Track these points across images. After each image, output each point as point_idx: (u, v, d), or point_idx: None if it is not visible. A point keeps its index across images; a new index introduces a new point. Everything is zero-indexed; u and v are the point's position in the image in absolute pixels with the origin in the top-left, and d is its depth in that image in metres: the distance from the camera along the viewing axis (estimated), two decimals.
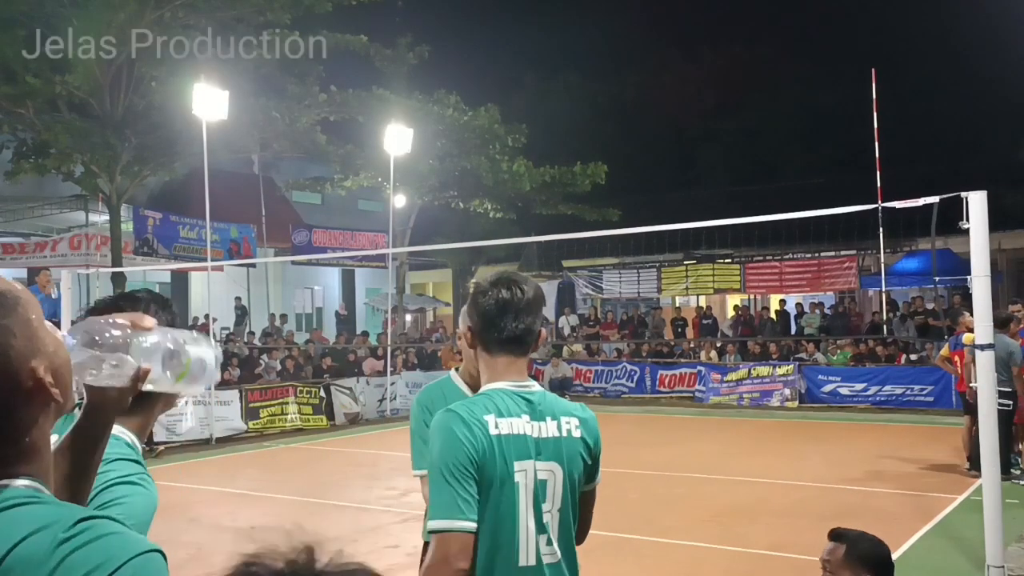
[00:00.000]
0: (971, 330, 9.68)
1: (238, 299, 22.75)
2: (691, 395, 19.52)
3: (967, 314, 9.88)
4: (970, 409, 10.20)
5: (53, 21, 15.70)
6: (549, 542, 2.16)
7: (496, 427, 2.13)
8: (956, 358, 10.64)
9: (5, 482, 1.00)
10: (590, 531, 2.37)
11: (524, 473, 2.14)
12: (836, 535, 2.93)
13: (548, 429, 2.19)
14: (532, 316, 2.25)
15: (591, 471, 2.26)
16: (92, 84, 16.14)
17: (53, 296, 13.26)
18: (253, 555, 0.88)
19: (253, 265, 23.06)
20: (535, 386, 2.26)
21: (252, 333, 21.47)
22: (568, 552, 2.21)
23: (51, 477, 1.08)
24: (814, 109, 35.85)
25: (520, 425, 2.16)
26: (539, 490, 2.16)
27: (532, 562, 2.13)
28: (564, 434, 2.19)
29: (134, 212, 19.80)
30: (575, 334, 23.59)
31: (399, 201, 22.68)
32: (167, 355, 1.31)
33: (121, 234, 17.89)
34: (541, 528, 2.15)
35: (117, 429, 1.49)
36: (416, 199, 23.77)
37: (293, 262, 26.20)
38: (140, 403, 1.54)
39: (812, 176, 29.09)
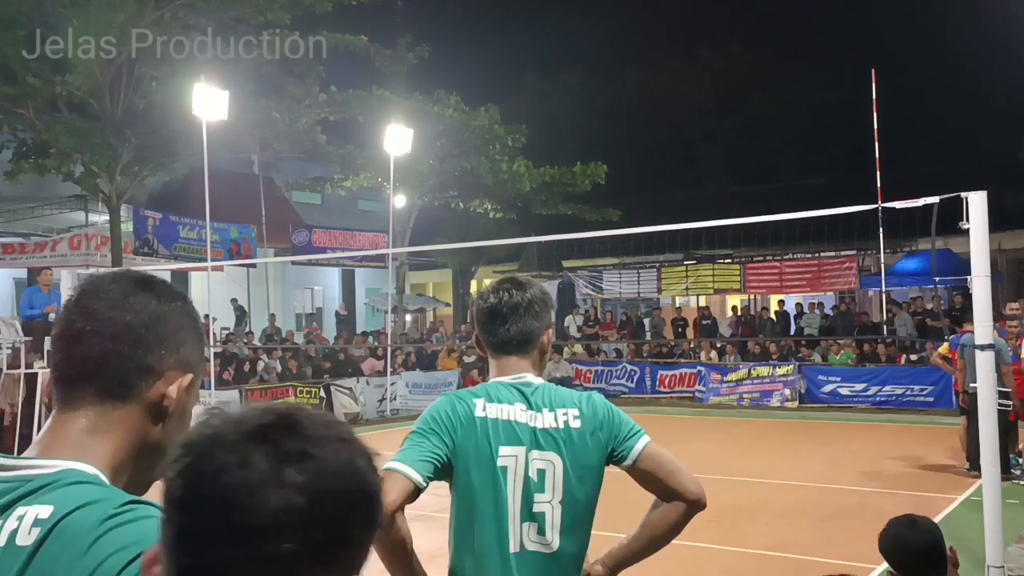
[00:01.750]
0: None
1: (234, 300, 22.70)
2: (691, 395, 19.51)
3: None
4: (966, 409, 10.25)
5: (53, 21, 15.70)
6: (541, 531, 2.16)
7: (483, 410, 2.18)
8: (955, 357, 10.63)
9: (74, 464, 1.12)
10: (604, 518, 2.31)
11: (514, 459, 2.16)
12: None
13: (546, 420, 2.20)
14: (527, 318, 2.28)
15: (616, 448, 2.22)
16: (92, 84, 16.14)
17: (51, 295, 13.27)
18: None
19: (253, 265, 23.05)
20: (532, 379, 2.27)
21: (251, 333, 21.47)
22: (574, 545, 2.20)
23: (120, 480, 1.17)
24: (814, 109, 35.86)
25: (512, 412, 2.19)
26: (536, 479, 2.16)
27: (517, 549, 2.15)
28: (561, 425, 2.20)
29: (134, 212, 19.79)
30: (580, 334, 23.58)
31: (399, 201, 22.67)
32: None
33: (121, 234, 17.89)
34: (530, 517, 2.15)
35: None
36: (416, 199, 23.76)
37: (293, 262, 26.20)
38: None
39: (812, 176, 29.09)
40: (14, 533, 1.04)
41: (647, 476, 2.23)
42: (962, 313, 12.48)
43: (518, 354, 2.29)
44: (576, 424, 2.21)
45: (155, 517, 1.01)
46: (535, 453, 2.17)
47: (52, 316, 12.89)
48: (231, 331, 21.33)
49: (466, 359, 20.35)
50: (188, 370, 1.23)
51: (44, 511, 1.05)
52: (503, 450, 2.16)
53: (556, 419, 2.21)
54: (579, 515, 2.20)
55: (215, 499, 0.83)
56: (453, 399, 2.23)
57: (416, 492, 2.09)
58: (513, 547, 2.15)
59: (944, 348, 11.31)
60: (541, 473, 2.16)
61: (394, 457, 2.12)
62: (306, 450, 0.85)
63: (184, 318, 1.26)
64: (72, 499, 1.06)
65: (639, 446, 2.22)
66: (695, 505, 2.22)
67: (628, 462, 2.23)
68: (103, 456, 1.15)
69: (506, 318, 2.27)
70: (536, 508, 2.16)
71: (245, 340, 20.45)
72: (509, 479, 2.15)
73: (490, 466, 2.15)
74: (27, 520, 1.04)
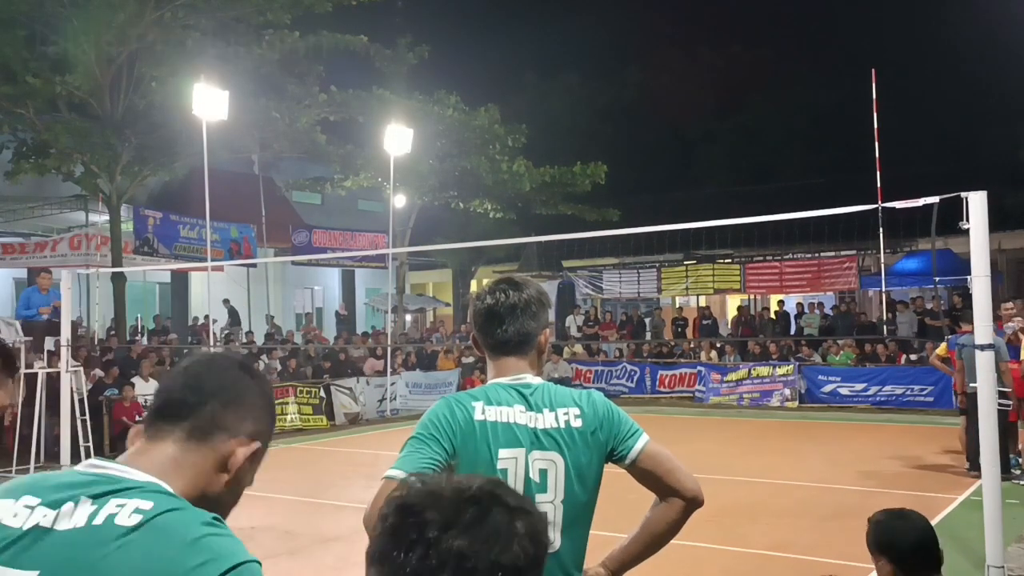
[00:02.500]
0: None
1: (227, 301, 22.62)
2: (691, 395, 19.51)
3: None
4: (965, 410, 10.30)
5: (53, 21, 15.71)
6: None
7: (482, 413, 2.18)
8: (953, 357, 10.63)
9: (158, 481, 1.31)
10: (604, 518, 2.32)
11: (513, 461, 2.16)
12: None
13: (546, 420, 2.20)
14: (524, 319, 2.28)
15: (616, 448, 2.23)
16: (92, 84, 16.14)
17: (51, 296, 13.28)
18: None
19: (253, 265, 23.04)
20: (531, 379, 2.28)
21: (251, 332, 21.45)
22: (573, 544, 2.20)
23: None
24: (814, 109, 35.82)
25: (511, 414, 2.19)
26: (538, 479, 2.16)
27: None
28: (563, 425, 2.20)
29: (134, 212, 19.79)
30: (580, 333, 23.58)
31: (399, 201, 22.67)
32: None
33: (121, 234, 17.89)
34: None
35: None
36: (416, 199, 23.76)
37: (293, 262, 26.20)
38: None
39: (812, 176, 29.08)
40: (113, 516, 1.21)
41: (646, 475, 2.25)
42: (962, 313, 12.46)
43: (516, 354, 2.29)
44: (577, 423, 2.21)
45: (235, 537, 1.24)
46: (536, 453, 2.17)
47: (45, 316, 12.93)
48: (228, 331, 21.32)
49: (464, 360, 20.34)
50: (258, 440, 1.44)
51: (145, 504, 1.23)
52: (503, 452, 2.16)
53: (557, 419, 2.21)
54: (580, 514, 2.21)
55: (462, 552, 1.01)
56: (452, 403, 2.22)
57: None
58: None
59: (942, 349, 11.30)
60: (543, 473, 2.17)
61: (394, 464, 2.11)
62: (523, 507, 1.08)
63: (266, 399, 1.51)
64: (167, 502, 1.25)
65: (639, 445, 2.24)
66: (693, 502, 2.24)
67: (628, 461, 2.24)
68: (176, 487, 1.33)
69: (503, 319, 2.27)
70: (539, 509, 2.15)
71: (245, 340, 20.45)
72: (509, 481, 2.15)
73: (490, 470, 2.14)
74: (128, 508, 1.22)
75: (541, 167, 22.84)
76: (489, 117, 21.96)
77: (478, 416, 2.18)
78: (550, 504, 2.17)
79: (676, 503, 2.24)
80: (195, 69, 15.55)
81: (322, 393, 16.80)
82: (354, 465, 12.76)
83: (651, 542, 2.28)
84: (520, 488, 2.15)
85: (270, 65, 18.38)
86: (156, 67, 16.64)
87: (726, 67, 39.39)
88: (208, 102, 14.92)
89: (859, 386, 17.68)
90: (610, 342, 22.92)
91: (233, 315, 22.55)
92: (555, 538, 2.17)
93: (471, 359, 20.18)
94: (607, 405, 2.28)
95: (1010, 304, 10.83)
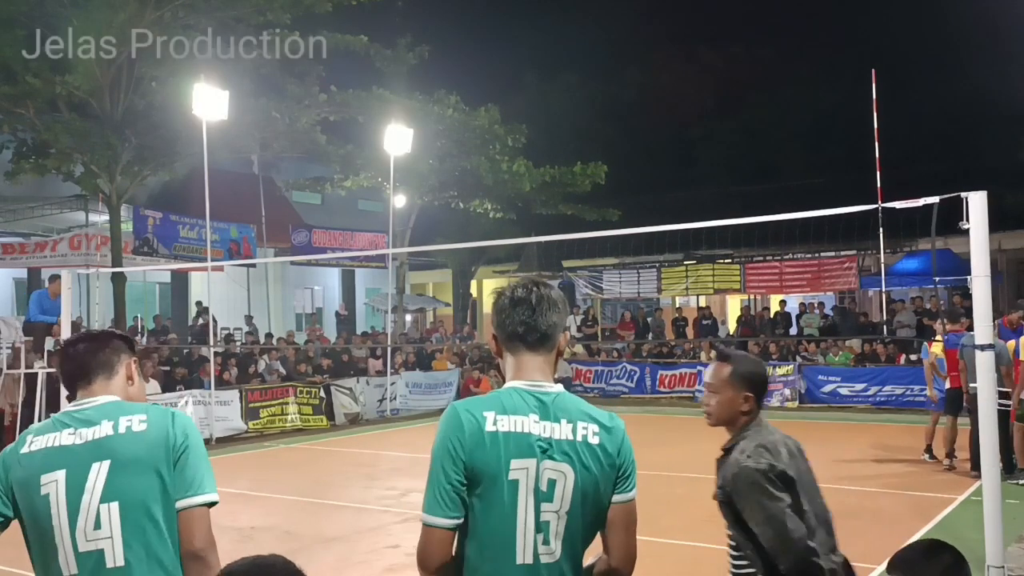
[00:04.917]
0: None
1: (199, 303, 22.53)
2: (691, 395, 19.51)
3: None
4: (957, 410, 10.37)
5: (53, 21, 15.69)
6: (546, 541, 2.15)
7: (494, 424, 2.16)
8: (954, 355, 10.56)
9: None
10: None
11: (525, 472, 2.14)
12: (722, 355, 2.97)
13: (562, 431, 2.18)
14: (550, 313, 2.28)
15: (617, 482, 2.23)
16: (92, 84, 16.13)
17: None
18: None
19: (253, 265, 23.04)
20: (551, 386, 2.25)
21: (251, 332, 21.41)
22: (571, 554, 2.20)
23: None
24: (814, 109, 35.79)
25: (524, 423, 2.17)
26: (546, 489, 2.15)
27: (529, 560, 2.14)
28: (579, 438, 2.18)
29: (134, 212, 19.79)
30: (581, 332, 23.58)
31: (399, 201, 22.67)
32: None
33: (121, 234, 17.88)
34: (539, 527, 2.15)
35: None
36: (416, 199, 23.76)
37: (293, 262, 26.19)
38: None
39: (812, 176, 29.07)
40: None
41: (608, 523, 2.26)
42: (950, 311, 12.40)
43: (537, 348, 2.27)
44: (595, 440, 2.20)
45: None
46: (547, 463, 2.15)
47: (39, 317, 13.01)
48: (230, 331, 21.28)
49: (450, 365, 20.26)
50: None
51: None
52: (514, 463, 2.14)
53: (574, 431, 2.19)
54: (582, 527, 2.20)
55: None
56: (462, 414, 2.19)
57: (454, 533, 2.15)
58: (523, 559, 2.15)
59: (938, 347, 11.22)
60: (552, 483, 2.15)
61: (425, 504, 2.16)
62: None
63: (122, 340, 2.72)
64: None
65: (625, 496, 2.25)
66: (615, 573, 2.28)
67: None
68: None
69: (532, 308, 2.26)
70: (543, 518, 2.15)
71: (246, 340, 20.45)
72: (520, 492, 2.14)
73: (501, 480, 2.13)
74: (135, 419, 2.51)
75: (541, 167, 22.82)
76: (489, 117, 21.93)
77: (489, 427, 2.15)
78: (554, 514, 2.16)
79: (605, 560, 2.28)
80: (195, 69, 15.55)
81: (322, 393, 16.80)
82: (354, 465, 12.76)
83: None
84: (531, 499, 2.15)
85: (270, 65, 18.37)
86: (156, 67, 16.63)
87: (726, 67, 39.38)
88: (208, 102, 14.92)
89: (859, 386, 17.69)
90: (625, 341, 22.91)
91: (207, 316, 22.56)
92: (556, 547, 2.16)
93: (451, 366, 20.12)
94: (626, 438, 2.28)
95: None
